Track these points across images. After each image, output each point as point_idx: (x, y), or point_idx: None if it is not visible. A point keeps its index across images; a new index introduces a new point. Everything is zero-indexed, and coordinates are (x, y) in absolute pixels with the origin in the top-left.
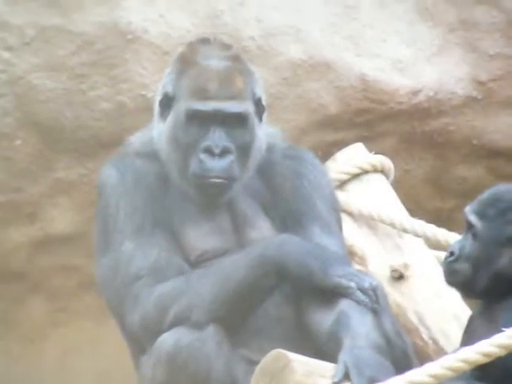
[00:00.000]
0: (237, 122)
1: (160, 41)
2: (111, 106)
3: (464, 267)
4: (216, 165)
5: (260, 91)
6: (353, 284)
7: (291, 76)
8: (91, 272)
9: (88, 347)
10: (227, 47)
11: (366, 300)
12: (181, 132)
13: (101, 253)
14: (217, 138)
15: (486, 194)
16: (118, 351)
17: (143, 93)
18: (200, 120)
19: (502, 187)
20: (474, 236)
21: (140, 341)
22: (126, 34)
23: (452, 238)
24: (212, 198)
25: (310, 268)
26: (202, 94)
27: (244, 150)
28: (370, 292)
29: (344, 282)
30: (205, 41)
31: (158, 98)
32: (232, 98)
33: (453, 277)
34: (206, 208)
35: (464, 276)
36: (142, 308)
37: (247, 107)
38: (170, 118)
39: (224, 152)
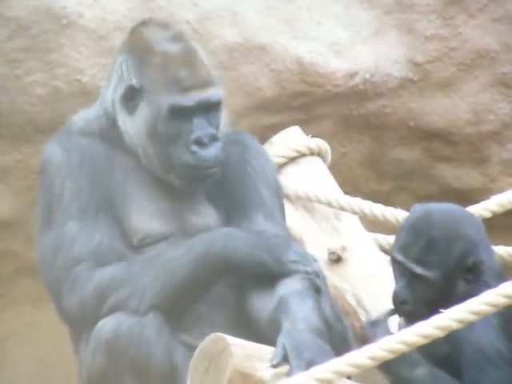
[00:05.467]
0: (215, 107)
1: (95, 25)
2: (47, 90)
3: (423, 309)
4: (209, 154)
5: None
6: (309, 268)
7: (227, 59)
8: (29, 257)
9: (27, 332)
10: (167, 26)
11: (319, 283)
12: (162, 126)
13: (42, 231)
14: (203, 127)
15: (410, 234)
16: (57, 336)
17: (79, 77)
18: (183, 113)
19: (417, 218)
20: (427, 285)
21: (76, 324)
22: (61, 19)
23: (389, 213)
24: (201, 186)
25: (262, 261)
26: (177, 86)
27: (219, 133)
28: (320, 274)
29: (301, 267)
30: (144, 24)
31: (120, 90)
32: (207, 84)
33: (412, 318)
34: (148, 191)
35: (424, 315)
36: (80, 293)
37: (220, 90)
38: (143, 110)
39: (212, 139)
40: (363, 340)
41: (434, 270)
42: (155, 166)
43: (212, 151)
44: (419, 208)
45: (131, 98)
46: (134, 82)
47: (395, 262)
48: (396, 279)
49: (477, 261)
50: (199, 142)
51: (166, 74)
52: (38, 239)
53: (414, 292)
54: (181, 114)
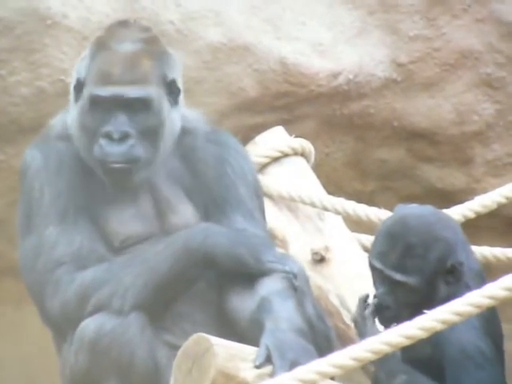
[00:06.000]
0: (139, 106)
1: (79, 26)
2: (30, 91)
3: (406, 313)
4: (114, 150)
5: (174, 73)
6: (287, 268)
7: (211, 60)
8: (12, 258)
9: (9, 333)
10: (144, 30)
11: (297, 284)
12: (86, 117)
13: (23, 236)
14: (117, 123)
15: (387, 241)
16: (39, 336)
17: (62, 78)
18: (102, 105)
19: (393, 224)
20: (408, 290)
21: (59, 327)
22: (46, 19)
23: (372, 213)
24: (117, 181)
25: (241, 257)
26: (104, 78)
27: (150, 134)
28: (300, 276)
29: (279, 266)
30: (123, 24)
31: (72, 82)
32: (134, 82)
33: (394, 322)
34: (126, 193)
35: (407, 318)
36: (63, 295)
37: (149, 91)
38: (79, 103)
39: (123, 137)
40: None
41: (414, 275)
42: (86, 160)
43: (119, 148)
44: (395, 213)
45: (78, 90)
46: (82, 74)
47: (374, 269)
48: (375, 285)
49: (455, 262)
50: (108, 136)
51: (101, 68)
52: (18, 244)
53: (396, 298)
54: (99, 105)
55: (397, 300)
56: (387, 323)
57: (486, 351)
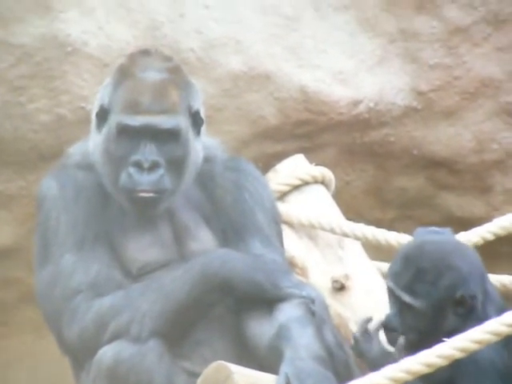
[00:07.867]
0: (168, 136)
1: (99, 53)
2: (50, 118)
3: (414, 337)
4: (144, 179)
5: (198, 104)
6: (305, 293)
7: (231, 87)
8: (32, 285)
9: (29, 360)
10: (167, 59)
11: (315, 309)
12: (112, 145)
13: (40, 265)
14: (147, 152)
15: (402, 263)
16: (59, 365)
17: (83, 105)
18: (130, 134)
19: (410, 248)
20: (415, 314)
21: (77, 355)
22: (66, 46)
23: (392, 238)
24: (142, 211)
25: (259, 282)
26: (133, 107)
27: (177, 164)
28: (319, 303)
29: (297, 291)
30: (145, 52)
31: (95, 109)
32: (163, 112)
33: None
34: (145, 220)
35: (414, 344)
36: (81, 323)
37: (179, 122)
38: (104, 130)
39: (153, 166)
40: (358, 354)
41: (422, 300)
42: (109, 188)
43: (149, 177)
44: (415, 237)
45: (102, 117)
46: (105, 102)
47: (388, 289)
48: (390, 306)
49: (466, 294)
50: (137, 165)
51: (128, 96)
52: (35, 273)
53: (404, 320)
54: (128, 134)
55: (404, 322)
56: (393, 343)
57: (499, 365)
